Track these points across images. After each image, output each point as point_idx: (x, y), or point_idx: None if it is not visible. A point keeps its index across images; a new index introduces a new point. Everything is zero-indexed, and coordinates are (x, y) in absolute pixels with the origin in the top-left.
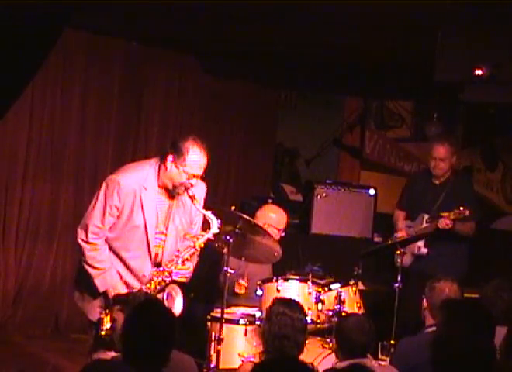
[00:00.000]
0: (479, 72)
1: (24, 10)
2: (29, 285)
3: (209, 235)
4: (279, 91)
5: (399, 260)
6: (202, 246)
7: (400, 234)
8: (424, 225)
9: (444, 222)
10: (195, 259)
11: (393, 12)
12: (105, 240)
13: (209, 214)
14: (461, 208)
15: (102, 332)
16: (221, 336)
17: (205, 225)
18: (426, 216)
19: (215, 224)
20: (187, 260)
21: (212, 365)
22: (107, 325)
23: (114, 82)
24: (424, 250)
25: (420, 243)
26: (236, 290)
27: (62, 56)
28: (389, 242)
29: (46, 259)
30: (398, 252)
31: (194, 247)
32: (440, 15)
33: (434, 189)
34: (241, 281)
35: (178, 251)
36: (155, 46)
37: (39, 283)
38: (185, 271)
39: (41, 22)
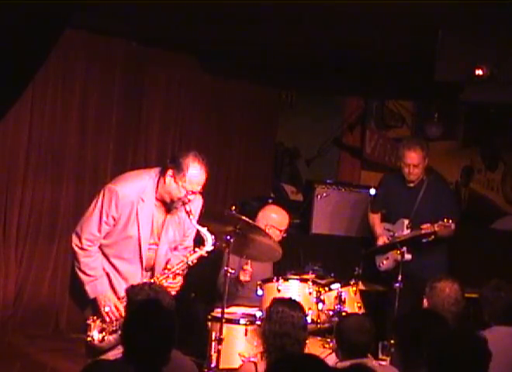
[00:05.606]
0: (479, 72)
1: (24, 10)
2: (29, 285)
3: (203, 252)
4: (279, 91)
5: (384, 262)
6: (195, 261)
7: (382, 241)
8: (406, 232)
9: (426, 232)
10: (186, 271)
11: (394, 12)
12: (99, 247)
13: (204, 230)
14: (445, 220)
15: (88, 338)
16: (221, 336)
17: (199, 240)
18: (406, 221)
19: (209, 241)
20: (178, 274)
21: (212, 365)
22: (94, 331)
23: (114, 82)
24: (408, 257)
25: (403, 250)
26: (241, 277)
27: (62, 56)
28: (389, 241)
29: (47, 259)
30: (398, 251)
31: (186, 263)
32: (440, 15)
33: (409, 192)
34: (245, 266)
35: (170, 264)
36: (155, 46)
37: (39, 283)
38: (174, 285)
39: (42, 22)
